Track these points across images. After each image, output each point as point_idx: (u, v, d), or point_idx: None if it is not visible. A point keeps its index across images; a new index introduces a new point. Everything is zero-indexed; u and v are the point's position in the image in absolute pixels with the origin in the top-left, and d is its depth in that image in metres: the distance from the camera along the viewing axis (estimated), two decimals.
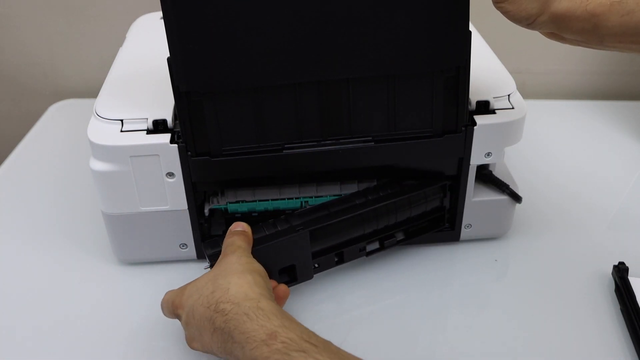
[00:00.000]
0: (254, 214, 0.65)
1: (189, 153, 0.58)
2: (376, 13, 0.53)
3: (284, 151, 0.59)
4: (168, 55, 0.53)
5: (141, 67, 0.68)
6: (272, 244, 0.58)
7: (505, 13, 0.49)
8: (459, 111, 0.59)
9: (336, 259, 0.63)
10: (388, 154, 0.60)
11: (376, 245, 0.65)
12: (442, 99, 0.58)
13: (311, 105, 0.57)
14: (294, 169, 0.60)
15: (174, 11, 0.51)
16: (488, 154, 0.62)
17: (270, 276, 0.56)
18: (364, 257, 0.64)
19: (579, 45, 0.51)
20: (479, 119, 0.60)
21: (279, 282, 0.58)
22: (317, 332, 0.59)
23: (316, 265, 0.62)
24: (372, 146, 0.59)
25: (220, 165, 0.59)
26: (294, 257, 0.60)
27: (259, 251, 0.57)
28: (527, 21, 0.49)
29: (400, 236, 0.66)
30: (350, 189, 0.64)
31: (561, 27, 0.49)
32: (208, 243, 0.59)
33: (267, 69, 0.54)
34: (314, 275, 0.62)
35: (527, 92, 0.98)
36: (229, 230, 0.58)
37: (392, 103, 0.58)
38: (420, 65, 0.56)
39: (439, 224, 0.67)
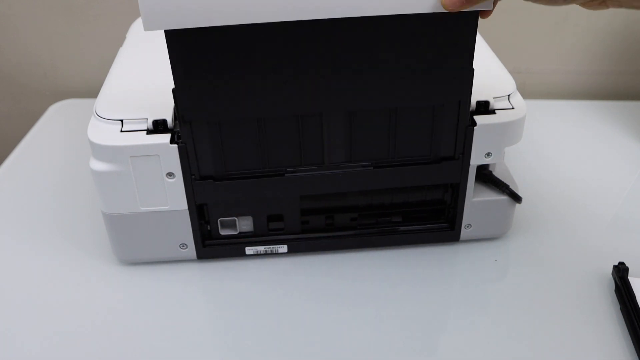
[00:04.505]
0: None
1: (193, 176, 0.60)
2: (380, 51, 0.54)
3: (285, 175, 0.61)
4: (168, 55, 0.53)
5: (141, 67, 0.68)
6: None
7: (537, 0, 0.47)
8: (457, 140, 0.60)
9: (326, 221, 0.64)
10: (387, 178, 0.62)
11: (370, 222, 0.66)
12: (441, 129, 0.60)
13: (313, 134, 0.59)
14: (295, 191, 0.62)
15: (179, 48, 0.52)
16: (488, 154, 0.62)
17: (259, 223, 0.64)
18: (356, 231, 0.65)
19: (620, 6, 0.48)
20: (479, 119, 0.60)
21: (267, 230, 0.64)
22: (314, 331, 0.59)
23: (306, 222, 0.64)
24: (372, 171, 0.61)
25: (224, 188, 0.61)
26: (282, 207, 0.63)
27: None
28: None
29: (396, 219, 0.66)
30: None
31: None
32: None
33: (269, 102, 0.55)
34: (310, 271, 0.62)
35: (527, 92, 0.98)
36: None
37: (393, 132, 0.60)
38: (422, 99, 0.57)
39: (439, 218, 0.67)
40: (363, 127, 0.59)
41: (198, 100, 0.55)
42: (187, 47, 0.52)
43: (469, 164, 0.62)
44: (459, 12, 0.51)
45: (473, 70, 0.56)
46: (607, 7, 0.47)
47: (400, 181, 0.63)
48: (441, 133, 0.60)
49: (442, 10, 0.51)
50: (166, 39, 0.51)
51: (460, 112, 0.59)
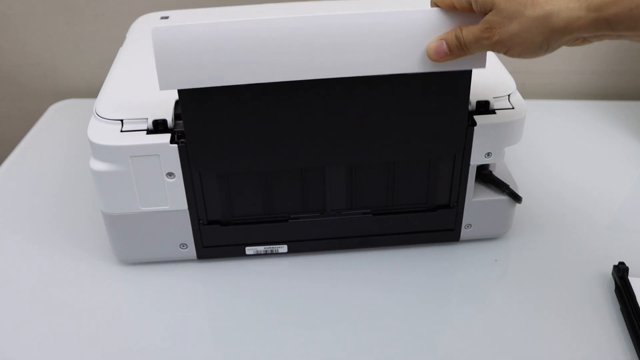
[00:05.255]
0: None
1: (201, 221, 0.63)
2: (378, 109, 0.57)
3: (289, 220, 0.64)
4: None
5: (141, 67, 0.68)
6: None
7: (518, 57, 0.48)
8: (452, 190, 0.64)
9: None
10: (385, 224, 0.66)
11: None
12: (437, 179, 0.63)
13: (316, 184, 0.62)
14: (298, 235, 0.66)
15: (192, 106, 0.54)
16: (488, 154, 0.62)
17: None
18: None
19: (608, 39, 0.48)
20: (479, 119, 0.60)
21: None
22: (314, 331, 0.59)
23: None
24: (371, 217, 0.65)
25: (230, 232, 0.64)
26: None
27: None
28: (542, 50, 0.48)
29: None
30: None
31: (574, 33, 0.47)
32: None
33: (275, 157, 0.59)
34: (311, 275, 0.62)
35: (527, 92, 0.98)
36: None
37: (391, 182, 0.63)
38: (419, 154, 0.61)
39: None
40: (363, 178, 0.63)
41: (208, 153, 0.58)
42: (198, 104, 0.55)
43: (468, 164, 0.62)
44: (453, 72, 0.54)
45: (468, 125, 0.59)
46: (590, 42, 0.48)
47: (398, 227, 0.66)
48: (437, 183, 0.64)
49: (435, 69, 0.53)
50: (179, 97, 0.54)
51: (455, 165, 0.62)
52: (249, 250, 0.66)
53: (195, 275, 0.66)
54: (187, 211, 0.62)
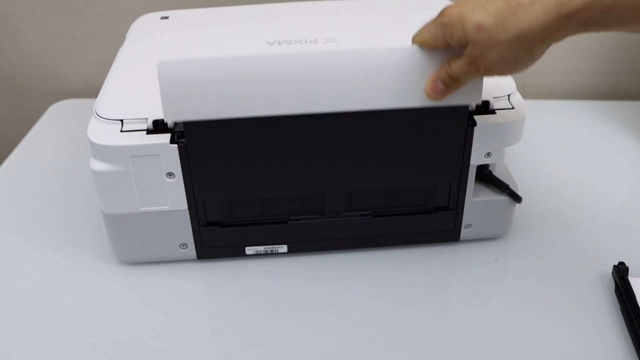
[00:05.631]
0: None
1: (200, 222, 0.63)
2: (377, 141, 0.58)
3: (288, 222, 0.64)
4: (168, 55, 0.54)
5: (141, 67, 0.68)
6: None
7: (511, 74, 0.50)
8: (451, 192, 0.64)
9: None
10: (384, 226, 0.66)
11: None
12: (435, 195, 0.65)
13: (315, 201, 0.64)
14: (298, 237, 0.66)
15: (196, 137, 0.56)
16: (488, 154, 0.62)
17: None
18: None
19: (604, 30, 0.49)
20: (479, 119, 0.60)
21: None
22: (314, 331, 0.59)
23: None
24: (370, 219, 0.65)
25: (229, 233, 0.64)
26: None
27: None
28: (530, 62, 0.49)
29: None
30: None
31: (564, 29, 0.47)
32: None
33: (276, 186, 0.60)
34: (312, 275, 0.62)
35: (527, 92, 0.97)
36: None
37: (390, 194, 0.65)
38: (415, 183, 0.63)
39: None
40: (361, 196, 0.64)
41: (212, 182, 0.60)
42: (203, 135, 0.56)
43: (469, 164, 0.62)
44: (449, 107, 0.55)
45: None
46: (575, 34, 0.49)
47: (397, 228, 0.67)
48: (435, 191, 0.65)
49: (432, 104, 0.54)
50: (184, 128, 0.56)
51: (451, 189, 0.64)
52: (249, 250, 0.66)
53: (195, 275, 0.66)
54: (187, 211, 0.62)
